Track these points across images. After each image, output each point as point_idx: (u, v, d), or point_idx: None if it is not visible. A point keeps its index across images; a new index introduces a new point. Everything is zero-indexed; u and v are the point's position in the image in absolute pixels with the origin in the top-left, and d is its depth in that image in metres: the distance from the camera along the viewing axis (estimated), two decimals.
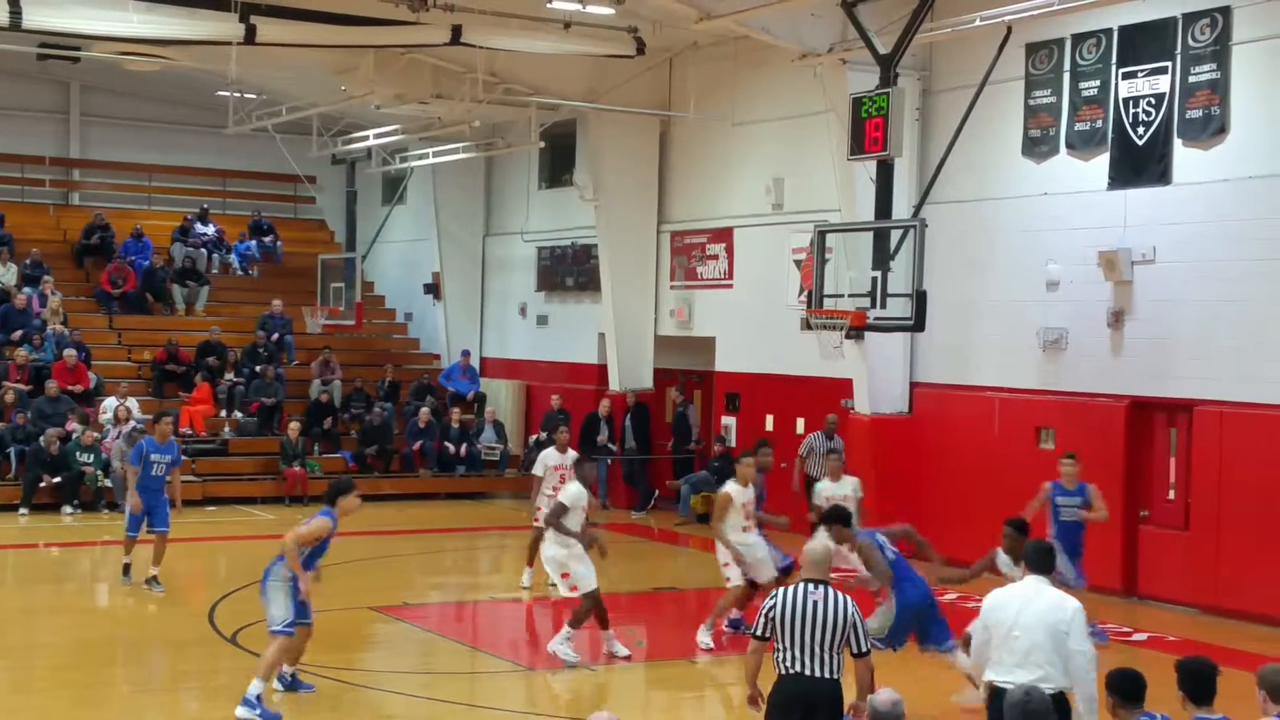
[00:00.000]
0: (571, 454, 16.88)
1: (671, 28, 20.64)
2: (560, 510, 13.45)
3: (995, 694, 8.11)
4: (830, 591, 8.24)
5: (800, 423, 21.45)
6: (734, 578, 14.22)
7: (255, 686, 11.27)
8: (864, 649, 8.26)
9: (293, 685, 12.12)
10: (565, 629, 13.52)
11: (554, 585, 16.26)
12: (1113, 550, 17.01)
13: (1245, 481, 16.09)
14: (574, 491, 13.66)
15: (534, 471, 17.10)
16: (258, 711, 11.19)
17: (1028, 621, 8.11)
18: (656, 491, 24.55)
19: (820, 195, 20.67)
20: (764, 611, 8.30)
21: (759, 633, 8.32)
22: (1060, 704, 7.63)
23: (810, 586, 8.25)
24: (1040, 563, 8.44)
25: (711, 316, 24.01)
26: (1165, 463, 17.37)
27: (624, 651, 13.68)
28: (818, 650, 8.12)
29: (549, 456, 16.86)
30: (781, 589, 8.37)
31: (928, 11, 16.67)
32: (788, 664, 8.19)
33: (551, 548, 13.61)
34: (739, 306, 23.26)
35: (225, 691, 12.49)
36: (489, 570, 20.67)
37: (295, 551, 11.47)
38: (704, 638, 14.05)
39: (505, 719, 12.18)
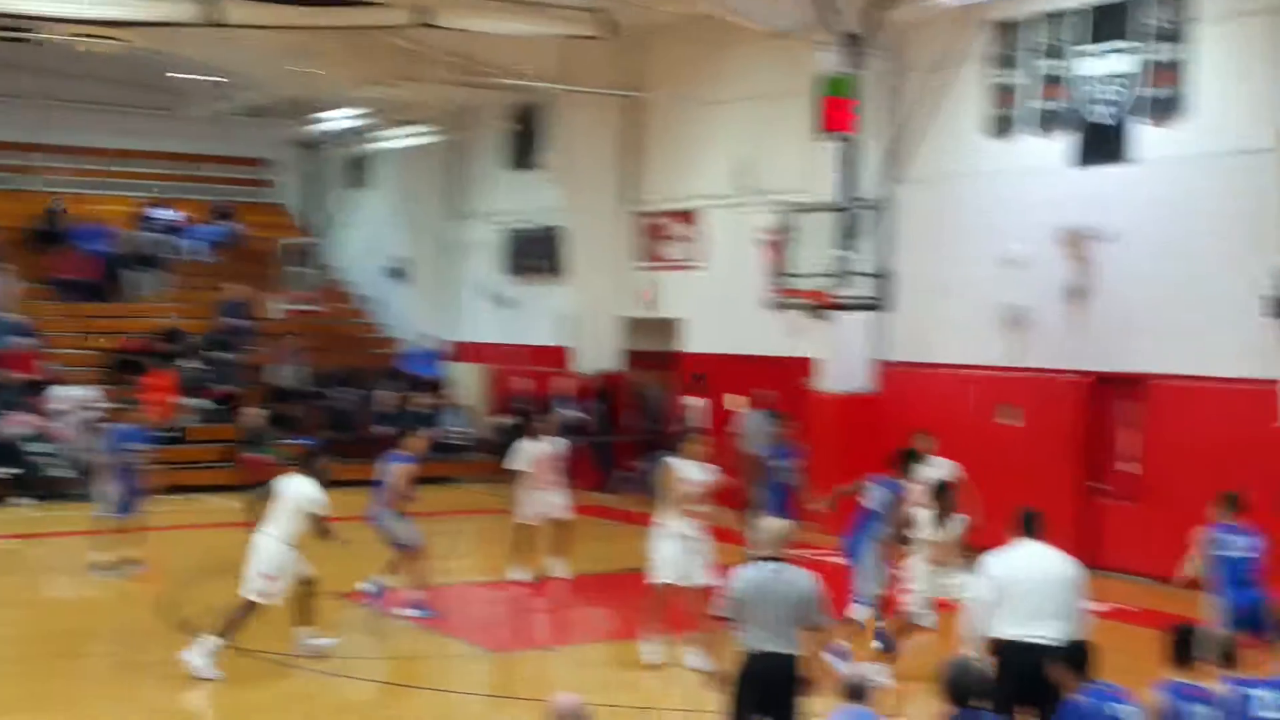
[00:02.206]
0: (551, 441, 16.74)
1: (640, 8, 20.56)
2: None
3: (1017, 649, 8.41)
4: (789, 568, 8.23)
5: None
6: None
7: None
8: (821, 622, 8.26)
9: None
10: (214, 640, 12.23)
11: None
12: (1073, 523, 17.03)
13: (1201, 454, 16.20)
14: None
15: (518, 467, 16.61)
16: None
17: (1047, 578, 8.62)
18: (624, 473, 24.48)
19: (787, 175, 20.63)
20: (726, 592, 8.27)
21: (721, 613, 8.30)
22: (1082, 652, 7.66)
23: (768, 563, 8.23)
24: (1033, 527, 8.91)
25: (678, 298, 23.96)
26: (1124, 436, 17.46)
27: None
28: (778, 626, 8.10)
29: (528, 448, 16.62)
30: (741, 567, 8.35)
31: None
32: (749, 642, 8.17)
33: (285, 545, 12.39)
34: (706, 287, 23.22)
35: (182, 682, 12.36)
36: (454, 554, 20.57)
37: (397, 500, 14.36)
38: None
39: (469, 702, 12.13)
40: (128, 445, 16.82)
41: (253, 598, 12.17)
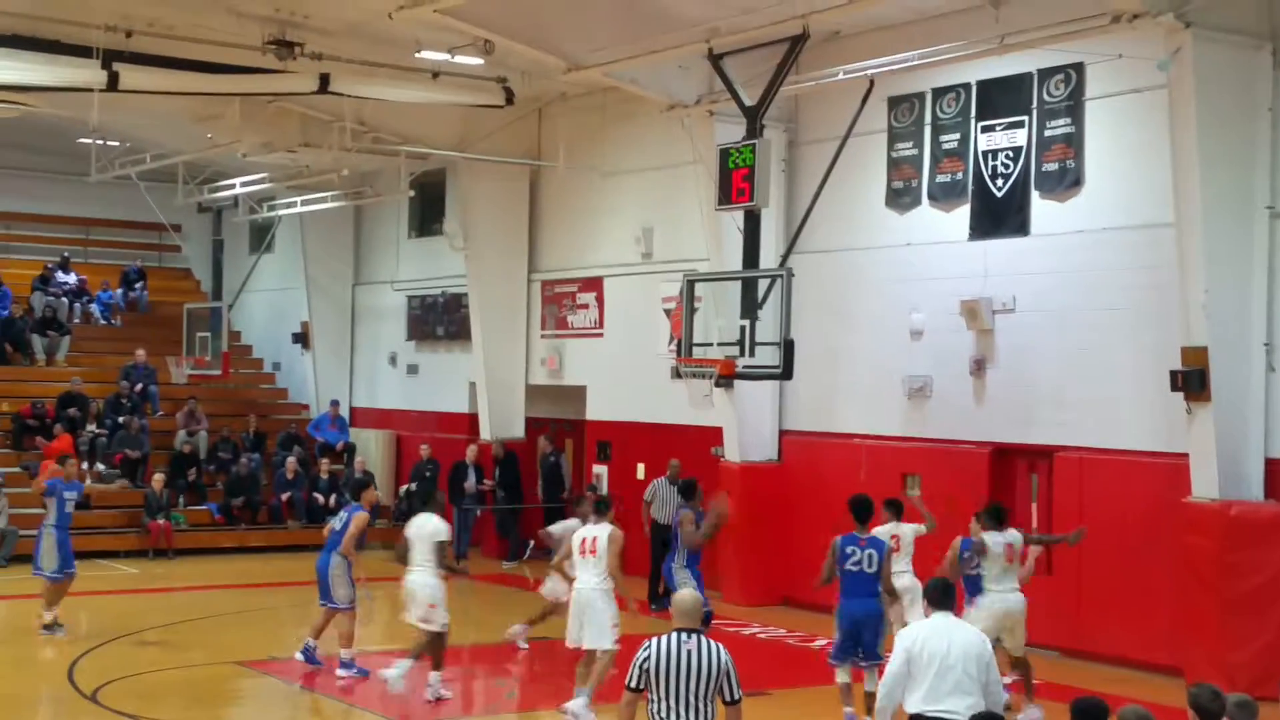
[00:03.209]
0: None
1: (540, 78, 20.78)
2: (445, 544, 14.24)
3: None
4: (703, 640, 8.24)
5: None
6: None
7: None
8: (736, 697, 8.25)
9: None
10: (408, 661, 14.04)
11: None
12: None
13: (1104, 526, 16.46)
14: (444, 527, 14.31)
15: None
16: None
17: (959, 653, 8.60)
18: (531, 542, 24.41)
19: (689, 245, 20.87)
20: (638, 662, 8.25)
21: (633, 684, 8.25)
22: None
23: (683, 635, 8.22)
24: (945, 599, 8.96)
25: (582, 365, 24.07)
26: (1027, 508, 17.68)
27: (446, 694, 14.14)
28: (692, 700, 8.10)
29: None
30: (655, 639, 8.34)
31: (792, 64, 16.96)
32: (662, 715, 8.14)
33: (431, 577, 14.05)
34: (609, 355, 23.36)
35: None
36: (358, 622, 20.40)
37: (352, 547, 14.81)
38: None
39: None
40: (69, 498, 17.10)
41: (435, 629, 14.04)
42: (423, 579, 14.02)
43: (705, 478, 20.08)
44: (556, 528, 15.99)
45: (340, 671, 14.90)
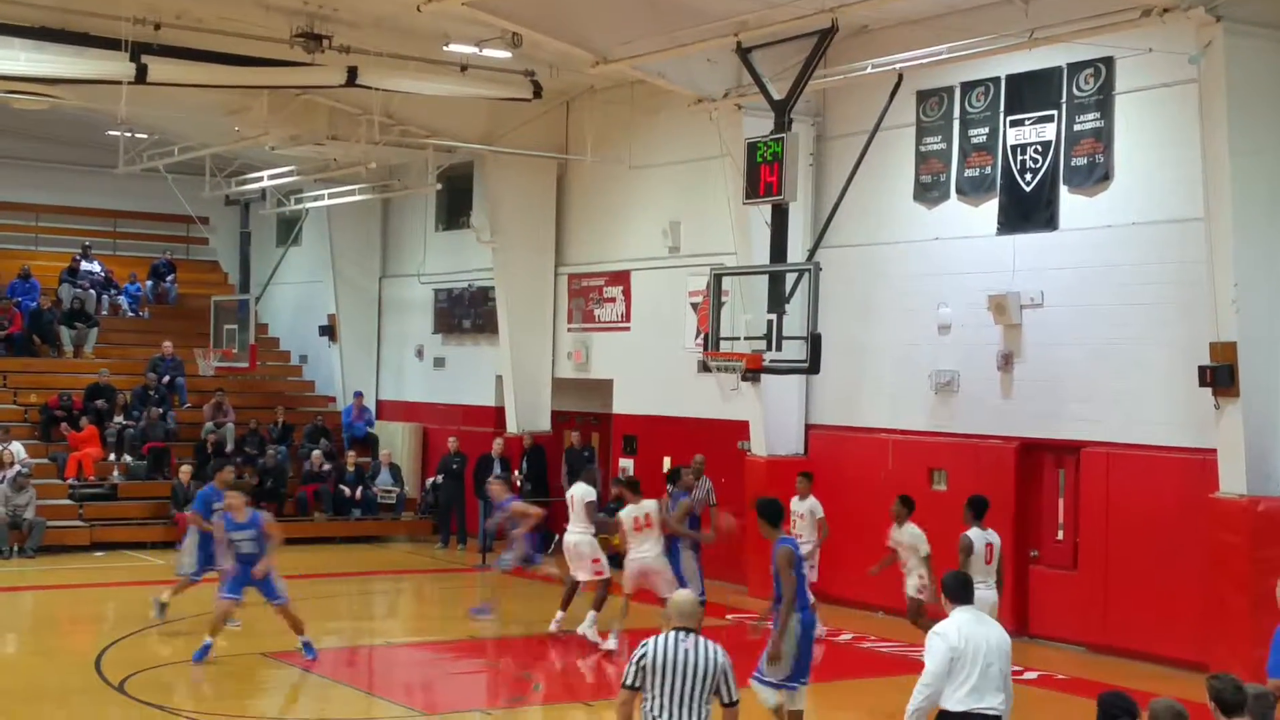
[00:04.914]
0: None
1: (568, 72, 20.78)
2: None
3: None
4: (700, 640, 8.06)
5: None
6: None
7: None
8: (734, 699, 8.05)
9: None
10: (592, 613, 16.07)
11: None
12: (1004, 590, 17.21)
13: (1131, 521, 16.41)
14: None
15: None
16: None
17: (995, 648, 8.52)
18: (556, 536, 24.40)
19: (717, 238, 20.84)
20: (635, 660, 8.04)
21: (630, 682, 8.01)
22: None
23: (681, 635, 8.00)
24: (966, 593, 8.79)
25: (609, 359, 24.07)
26: (1054, 503, 17.63)
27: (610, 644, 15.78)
28: (688, 700, 7.92)
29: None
30: (653, 638, 8.14)
31: (821, 58, 16.91)
32: (655, 713, 7.91)
33: (588, 535, 16.37)
34: (636, 349, 23.35)
35: None
36: (384, 615, 20.47)
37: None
38: None
39: None
40: (217, 508, 16.80)
41: (597, 578, 16.29)
42: (585, 538, 16.21)
43: (732, 472, 20.14)
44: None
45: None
